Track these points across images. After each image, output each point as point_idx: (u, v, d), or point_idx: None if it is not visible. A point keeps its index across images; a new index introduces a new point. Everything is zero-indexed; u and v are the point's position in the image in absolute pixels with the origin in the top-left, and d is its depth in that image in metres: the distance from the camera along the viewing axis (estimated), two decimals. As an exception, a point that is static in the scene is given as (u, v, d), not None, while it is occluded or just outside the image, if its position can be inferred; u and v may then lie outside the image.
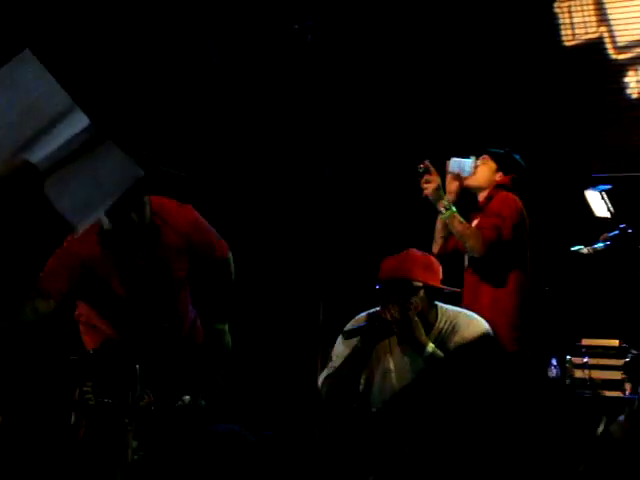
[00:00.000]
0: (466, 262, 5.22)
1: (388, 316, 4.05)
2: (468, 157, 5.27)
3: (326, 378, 4.20)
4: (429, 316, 4.16)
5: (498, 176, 5.36)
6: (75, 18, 5.98)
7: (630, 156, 7.40)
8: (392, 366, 4.17)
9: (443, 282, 4.21)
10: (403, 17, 7.82)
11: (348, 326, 4.27)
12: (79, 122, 1.16)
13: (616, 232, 3.66)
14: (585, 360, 6.41)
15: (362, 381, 4.23)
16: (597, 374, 6.40)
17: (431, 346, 3.98)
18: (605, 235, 4.67)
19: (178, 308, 4.27)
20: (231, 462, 3.55)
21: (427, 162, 5.00)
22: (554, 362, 6.40)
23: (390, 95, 7.78)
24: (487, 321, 4.20)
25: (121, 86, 6.29)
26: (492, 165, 5.37)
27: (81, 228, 1.16)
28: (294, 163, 7.31)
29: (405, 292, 4.10)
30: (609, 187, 4.73)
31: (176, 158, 6.46)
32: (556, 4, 7.79)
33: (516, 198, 5.18)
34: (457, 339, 4.10)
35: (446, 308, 4.25)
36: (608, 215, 4.83)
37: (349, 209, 7.40)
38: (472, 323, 4.17)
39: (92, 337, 4.17)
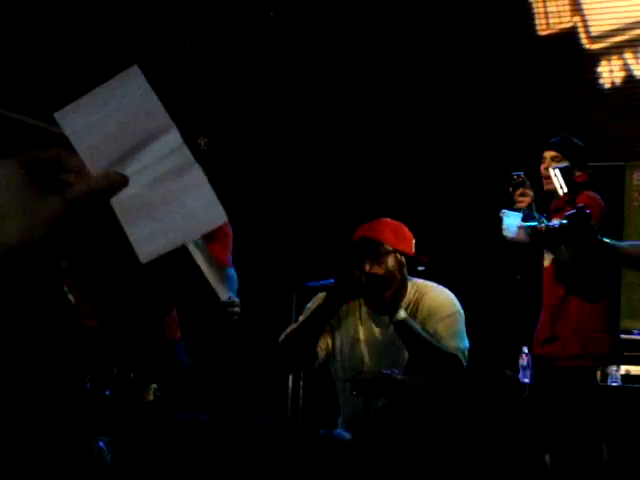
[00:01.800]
0: (547, 262, 5.20)
1: (357, 272, 3.96)
2: (519, 211, 5.08)
3: (286, 331, 4.17)
4: (400, 286, 4.13)
5: (577, 175, 5.20)
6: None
7: (603, 145, 7.45)
8: (362, 336, 4.15)
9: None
10: (379, 5, 7.83)
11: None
12: (173, 143, 1.15)
13: (573, 211, 3.68)
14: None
15: (326, 346, 4.19)
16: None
17: (403, 312, 3.94)
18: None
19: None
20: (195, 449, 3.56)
21: (522, 175, 4.95)
22: (525, 350, 6.44)
23: (365, 85, 7.79)
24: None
25: (94, 74, 6.26)
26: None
27: (145, 260, 1.12)
28: (269, 155, 7.31)
29: (376, 252, 4.07)
30: (565, 166, 4.73)
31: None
32: (530, -7, 7.82)
33: (598, 197, 5.06)
34: (422, 304, 4.09)
35: (416, 280, 4.22)
36: (561, 193, 4.83)
37: (320, 200, 7.42)
38: (440, 292, 4.18)
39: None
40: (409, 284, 4.17)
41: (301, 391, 5.80)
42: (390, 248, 4.08)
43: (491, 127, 7.68)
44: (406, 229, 4.24)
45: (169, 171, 1.13)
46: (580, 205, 3.85)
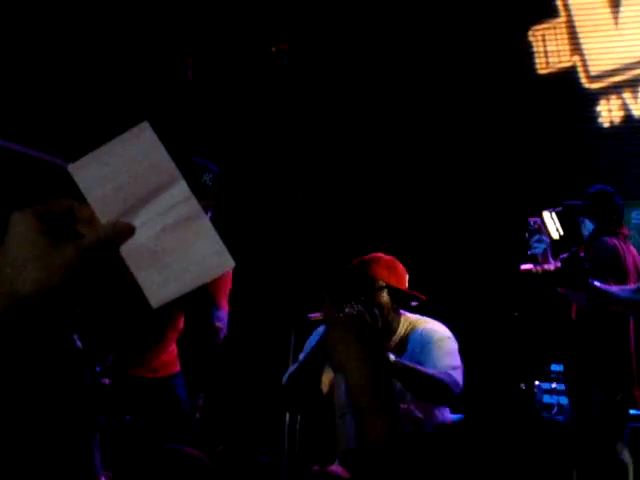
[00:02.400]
0: None
1: (350, 307, 3.96)
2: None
3: (288, 370, 4.17)
4: (393, 322, 4.13)
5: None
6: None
7: (600, 184, 7.48)
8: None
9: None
10: (378, 43, 7.88)
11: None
12: (181, 193, 1.21)
13: (566, 255, 3.69)
14: (553, 386, 6.45)
15: (329, 380, 4.19)
16: (565, 400, 6.45)
17: (392, 355, 3.92)
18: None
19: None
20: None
21: (539, 222, 4.98)
22: (523, 387, 6.44)
23: (366, 125, 7.83)
24: None
25: (100, 104, 6.31)
26: None
27: (156, 305, 1.18)
28: (268, 186, 7.34)
29: (368, 289, 4.07)
30: (559, 209, 4.76)
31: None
32: (530, 32, 7.88)
33: (608, 244, 5.12)
34: (414, 334, 4.09)
35: (410, 315, 4.22)
36: (557, 237, 4.86)
37: (321, 232, 7.43)
38: (433, 323, 4.17)
39: None
40: (402, 319, 4.17)
41: (298, 426, 5.78)
42: (383, 284, 4.08)
43: (489, 166, 7.71)
44: (399, 265, 4.23)
45: (177, 221, 1.20)
46: (574, 249, 3.86)
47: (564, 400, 6.41)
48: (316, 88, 7.65)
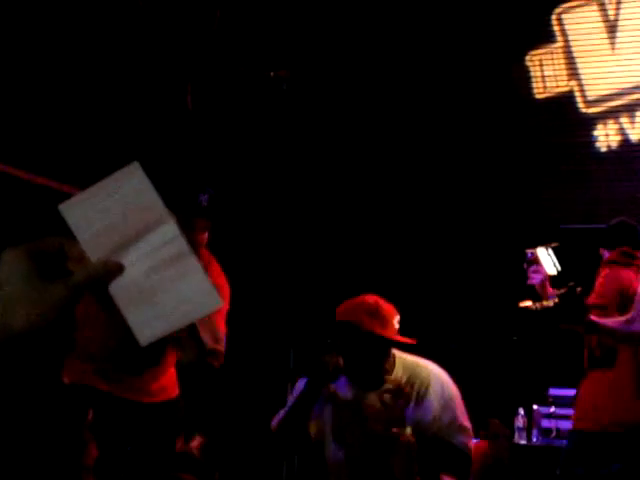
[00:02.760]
0: None
1: (333, 358, 3.97)
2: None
3: (278, 415, 4.17)
4: (385, 365, 4.12)
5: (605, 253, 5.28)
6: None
7: (599, 208, 7.51)
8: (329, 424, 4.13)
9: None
10: (377, 68, 7.93)
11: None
12: (170, 233, 1.24)
13: (564, 290, 3.67)
14: (552, 410, 6.46)
15: (318, 427, 4.17)
16: (564, 424, 6.45)
17: (408, 429, 3.91)
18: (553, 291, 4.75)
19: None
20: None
21: (537, 253, 4.99)
22: (521, 412, 6.45)
23: (363, 150, 7.87)
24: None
25: (97, 130, 6.33)
26: None
27: (144, 343, 1.22)
28: (267, 211, 7.37)
29: (353, 337, 4.04)
30: (556, 244, 4.73)
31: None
32: (528, 57, 7.93)
33: (617, 275, 4.99)
34: (415, 385, 4.05)
35: (405, 357, 4.18)
36: (554, 272, 4.84)
37: (318, 255, 7.45)
38: (430, 371, 4.14)
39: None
40: (396, 361, 4.14)
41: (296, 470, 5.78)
42: (370, 332, 4.04)
43: (486, 191, 7.75)
44: (388, 308, 4.16)
45: (165, 260, 1.23)
46: (571, 284, 3.85)
47: (563, 424, 6.42)
48: (315, 113, 7.69)
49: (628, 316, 3.69)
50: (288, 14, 7.77)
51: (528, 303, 4.56)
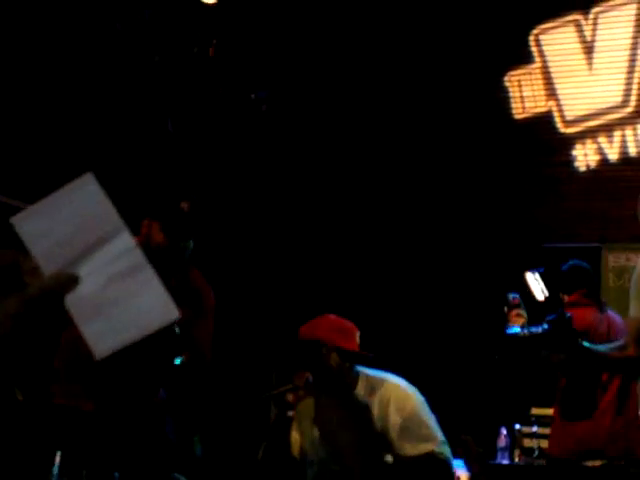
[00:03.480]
0: None
1: (295, 383, 4.01)
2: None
3: (262, 447, 4.19)
4: (348, 381, 4.11)
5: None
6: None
7: (579, 227, 7.55)
8: (317, 433, 4.13)
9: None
10: (356, 90, 7.96)
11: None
12: (125, 244, 1.22)
13: (553, 316, 3.64)
14: (534, 429, 6.46)
15: (298, 450, 4.18)
16: (546, 443, 6.45)
17: (389, 457, 3.90)
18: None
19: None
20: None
21: (518, 297, 5.00)
22: (504, 431, 6.45)
23: (343, 170, 7.88)
24: None
25: (80, 155, 6.32)
26: None
27: (100, 357, 1.19)
28: (247, 232, 7.36)
29: (316, 355, 4.05)
30: (542, 270, 4.74)
31: (133, 224, 6.46)
32: (506, 77, 7.97)
33: (582, 317, 5.04)
34: (375, 400, 4.06)
35: (367, 373, 4.19)
36: (542, 298, 4.86)
37: (298, 275, 7.45)
38: (391, 385, 4.13)
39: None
40: (359, 377, 4.14)
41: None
42: (331, 347, 4.05)
43: (465, 209, 7.77)
44: (349, 325, 4.20)
45: (121, 271, 1.21)
46: (560, 309, 3.82)
47: (545, 444, 6.42)
48: (295, 133, 7.71)
49: (620, 343, 3.68)
50: (268, 37, 7.79)
51: (516, 330, 4.52)
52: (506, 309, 4.98)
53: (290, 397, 4.06)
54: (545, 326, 3.58)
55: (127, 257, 1.22)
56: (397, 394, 4.03)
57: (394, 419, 3.97)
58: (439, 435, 3.98)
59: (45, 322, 1.22)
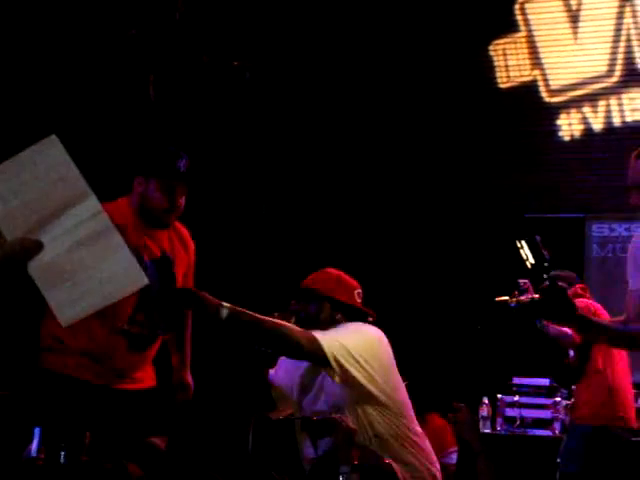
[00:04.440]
0: None
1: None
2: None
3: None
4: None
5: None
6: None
7: (562, 198, 7.55)
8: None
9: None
10: (339, 58, 7.91)
11: None
12: (91, 209, 1.17)
13: (545, 284, 3.57)
14: (516, 399, 6.49)
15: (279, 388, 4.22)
16: (527, 412, 6.49)
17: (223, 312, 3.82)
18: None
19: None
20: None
21: (529, 282, 5.00)
22: (485, 400, 6.47)
23: (325, 131, 7.85)
24: None
25: (57, 122, 6.27)
26: None
27: (65, 324, 1.15)
28: (231, 200, 7.33)
29: (305, 301, 4.04)
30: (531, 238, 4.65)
31: (115, 193, 6.43)
32: (492, 46, 7.94)
33: (587, 305, 5.31)
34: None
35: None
36: (528, 265, 4.79)
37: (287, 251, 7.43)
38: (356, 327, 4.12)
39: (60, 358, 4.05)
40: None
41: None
42: (323, 297, 4.04)
43: (449, 179, 7.76)
44: (347, 278, 4.18)
45: (86, 237, 1.16)
46: (552, 279, 3.73)
47: (527, 413, 6.46)
48: (278, 102, 7.66)
49: (623, 317, 3.65)
50: (251, 3, 7.72)
51: (505, 297, 4.52)
52: (516, 293, 5.01)
53: None
54: (535, 296, 3.51)
55: (92, 223, 1.18)
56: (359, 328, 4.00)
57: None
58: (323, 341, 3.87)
59: (7, 287, 1.17)
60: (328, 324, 3.96)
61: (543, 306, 3.36)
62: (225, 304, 3.56)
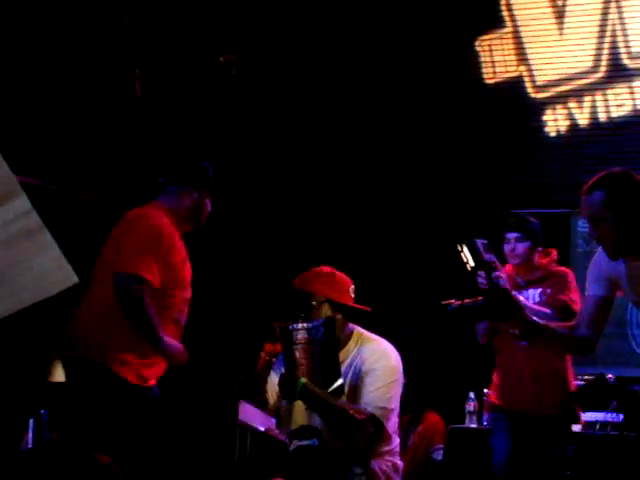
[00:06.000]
0: None
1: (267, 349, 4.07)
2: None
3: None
4: (340, 337, 4.09)
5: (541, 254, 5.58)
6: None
7: (548, 193, 7.56)
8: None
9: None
10: (325, 52, 7.90)
11: None
12: (21, 207, 1.16)
13: (489, 288, 3.52)
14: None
15: (273, 395, 4.20)
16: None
17: (303, 380, 3.89)
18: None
19: None
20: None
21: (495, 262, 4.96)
22: (472, 396, 6.48)
23: (312, 126, 7.84)
24: None
25: (45, 113, 6.25)
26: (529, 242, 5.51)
27: None
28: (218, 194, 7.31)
29: (308, 305, 4.05)
30: (472, 241, 4.55)
31: (102, 189, 6.42)
32: (477, 42, 7.94)
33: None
34: (361, 353, 4.06)
35: (361, 332, 4.19)
36: (468, 268, 4.65)
37: (270, 242, 7.42)
38: (379, 345, 4.14)
39: None
40: (353, 334, 4.14)
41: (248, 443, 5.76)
42: (321, 299, 4.05)
43: (434, 176, 7.76)
44: (340, 277, 4.19)
45: (16, 234, 1.15)
46: (495, 281, 3.69)
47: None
48: (265, 98, 7.65)
49: (572, 323, 3.67)
50: (237, -2, 7.71)
51: (451, 301, 4.44)
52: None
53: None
54: (478, 298, 3.46)
55: (22, 220, 1.17)
56: (378, 356, 4.05)
57: (371, 381, 3.99)
58: (392, 409, 3.99)
59: None
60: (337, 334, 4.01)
61: (486, 308, 3.34)
62: None
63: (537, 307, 5.20)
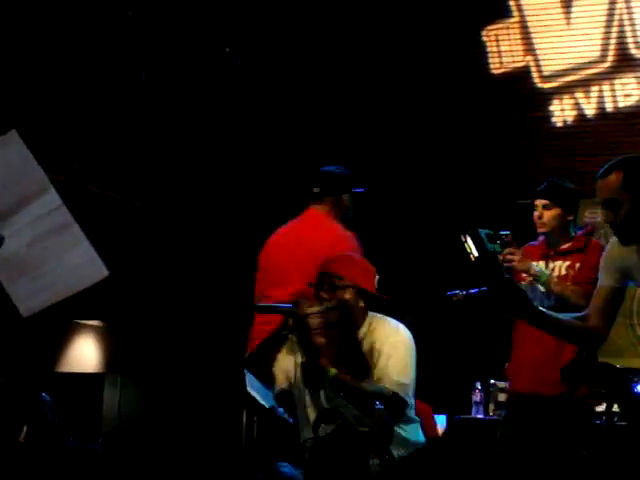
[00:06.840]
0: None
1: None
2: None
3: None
4: (356, 321, 4.11)
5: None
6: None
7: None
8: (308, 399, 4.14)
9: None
10: (332, 44, 7.89)
11: None
12: (51, 203, 1.17)
13: (496, 277, 3.50)
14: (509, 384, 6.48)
15: (282, 374, 4.21)
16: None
17: (333, 369, 3.92)
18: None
19: None
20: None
21: (510, 235, 4.84)
22: (478, 386, 6.47)
23: (317, 121, 7.83)
24: None
25: (52, 104, 6.26)
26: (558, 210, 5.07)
27: (26, 314, 1.15)
28: (222, 186, 7.32)
29: (333, 286, 4.07)
30: (476, 232, 4.52)
31: (107, 178, 6.43)
32: (484, 32, 7.92)
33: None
34: (372, 339, 4.09)
35: (373, 314, 4.21)
36: (472, 258, 4.62)
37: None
38: (392, 326, 4.16)
39: None
40: (366, 318, 4.17)
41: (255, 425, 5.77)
42: (349, 283, 4.09)
43: (441, 165, 7.75)
44: (369, 266, 4.24)
45: (48, 230, 1.16)
46: (498, 271, 3.68)
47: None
48: (270, 88, 7.64)
49: (582, 313, 3.61)
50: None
51: (456, 292, 4.43)
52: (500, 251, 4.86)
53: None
54: (483, 288, 3.43)
55: (53, 216, 1.19)
56: (392, 335, 4.08)
57: (383, 358, 4.03)
58: (410, 384, 4.03)
59: None
60: (353, 311, 4.02)
61: (491, 297, 3.32)
62: None
63: (558, 287, 4.94)
